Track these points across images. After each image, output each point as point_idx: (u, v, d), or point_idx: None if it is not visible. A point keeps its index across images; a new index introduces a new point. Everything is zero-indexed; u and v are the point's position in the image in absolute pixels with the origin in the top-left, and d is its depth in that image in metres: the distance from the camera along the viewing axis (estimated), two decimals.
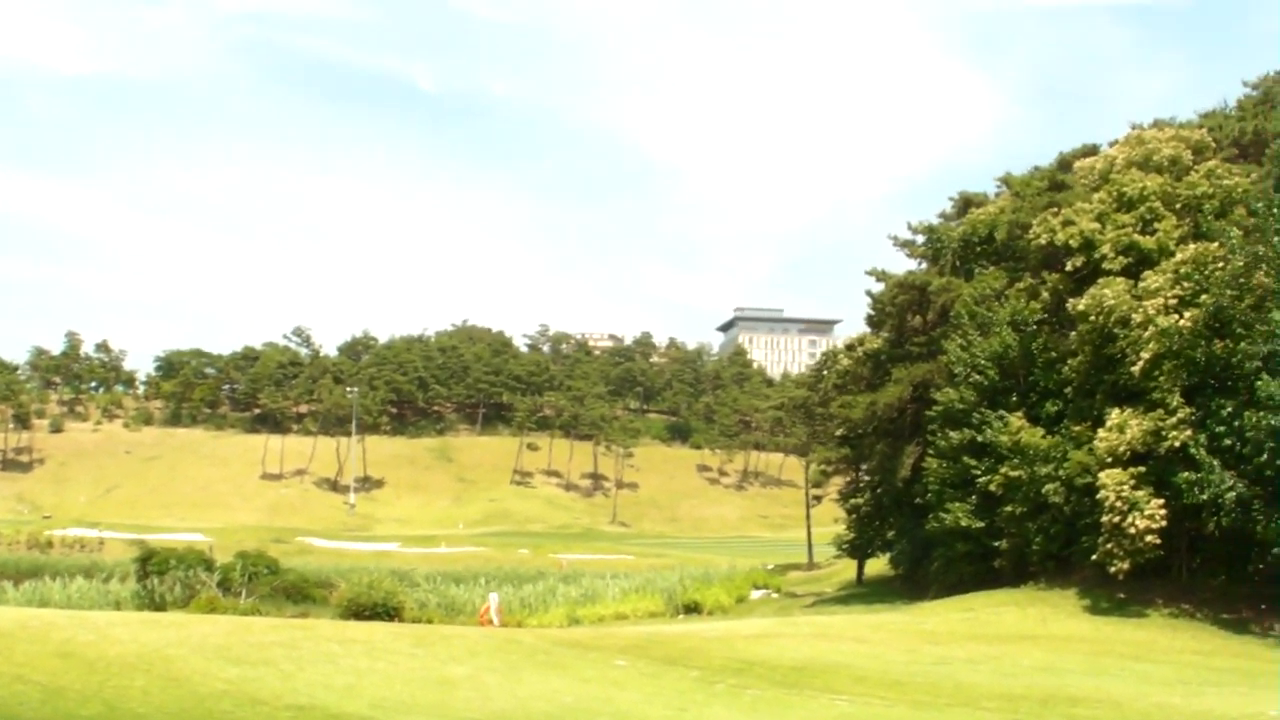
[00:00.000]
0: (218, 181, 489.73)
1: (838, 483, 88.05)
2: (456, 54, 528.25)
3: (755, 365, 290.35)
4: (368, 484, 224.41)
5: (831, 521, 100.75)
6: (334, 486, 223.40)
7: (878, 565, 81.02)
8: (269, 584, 57.75)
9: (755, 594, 79.52)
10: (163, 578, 56.50)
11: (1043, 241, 57.48)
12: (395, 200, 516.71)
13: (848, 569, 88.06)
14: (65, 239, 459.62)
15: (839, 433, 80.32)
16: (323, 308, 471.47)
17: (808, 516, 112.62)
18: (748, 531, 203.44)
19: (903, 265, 77.71)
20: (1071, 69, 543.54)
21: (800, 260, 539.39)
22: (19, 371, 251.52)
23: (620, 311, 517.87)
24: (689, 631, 39.88)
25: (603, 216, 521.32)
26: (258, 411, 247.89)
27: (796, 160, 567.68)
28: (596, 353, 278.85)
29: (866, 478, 79.32)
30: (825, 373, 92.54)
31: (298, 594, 57.09)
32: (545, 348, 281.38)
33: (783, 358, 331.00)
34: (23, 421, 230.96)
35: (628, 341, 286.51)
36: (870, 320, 76.33)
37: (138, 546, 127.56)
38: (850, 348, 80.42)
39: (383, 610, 43.62)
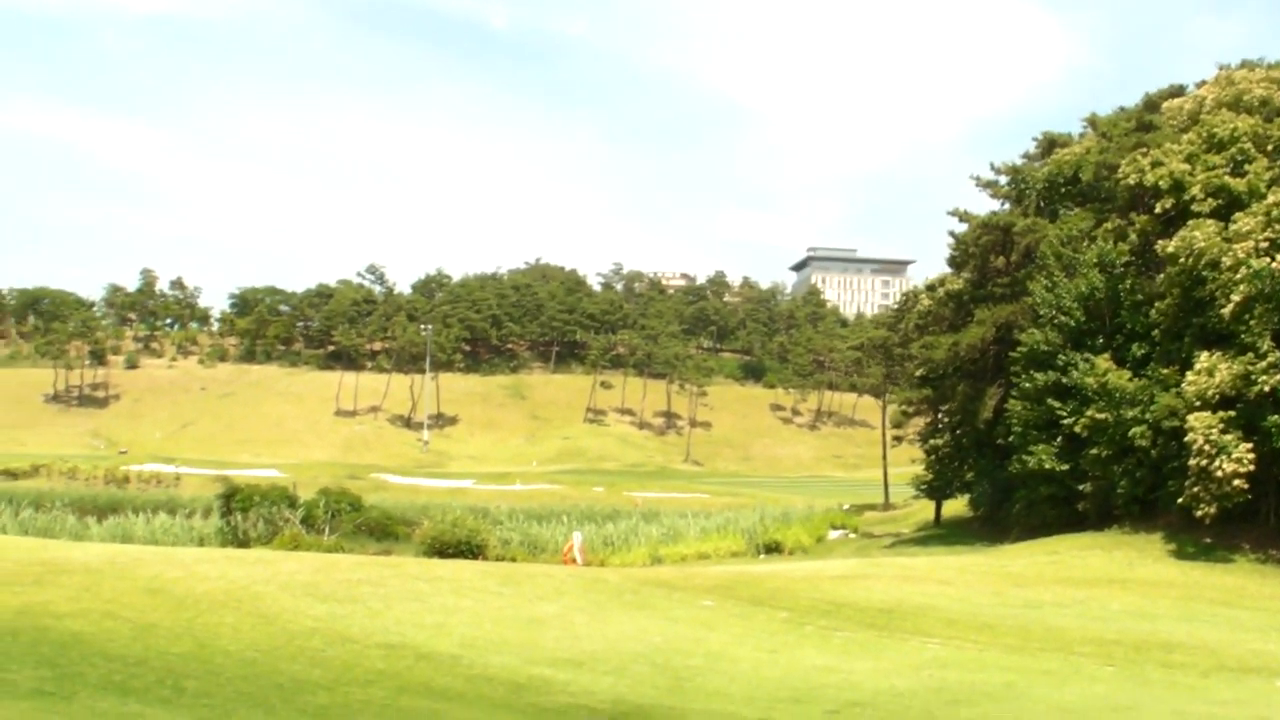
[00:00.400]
0: (290, 122, 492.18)
1: (917, 424, 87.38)
2: None
3: (829, 305, 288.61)
4: (441, 421, 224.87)
5: (908, 462, 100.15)
6: (408, 423, 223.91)
7: (955, 507, 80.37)
8: (352, 521, 57.83)
9: (833, 534, 79.15)
10: (246, 514, 56.56)
11: (1131, 183, 56.74)
12: (468, 140, 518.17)
13: (924, 510, 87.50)
14: (141, 180, 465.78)
15: (919, 373, 79.79)
16: (396, 246, 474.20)
17: (884, 457, 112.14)
18: (821, 471, 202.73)
19: (985, 206, 77.17)
20: (1146, 11, 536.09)
21: (874, 202, 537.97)
22: (95, 309, 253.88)
23: (692, 252, 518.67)
24: (774, 572, 39.62)
25: (676, 159, 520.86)
26: (332, 349, 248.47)
27: (871, 103, 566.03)
28: (670, 292, 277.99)
29: (945, 419, 78.82)
30: (906, 313, 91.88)
31: (380, 531, 57.23)
32: (618, 286, 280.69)
33: (855, 298, 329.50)
34: (99, 358, 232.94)
35: (700, 281, 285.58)
36: (952, 261, 75.59)
37: (218, 483, 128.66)
38: (931, 288, 79.65)
39: (466, 548, 43.59)
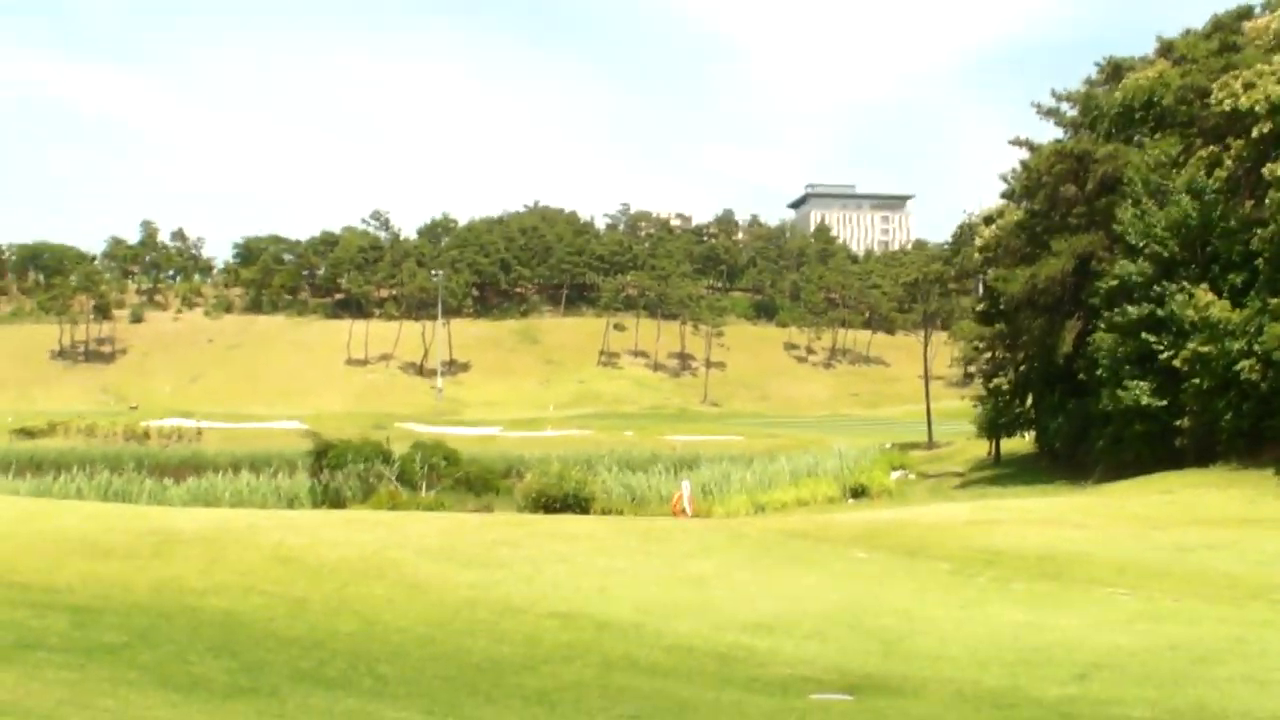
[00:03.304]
0: (286, 68, 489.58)
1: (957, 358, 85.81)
2: None
3: (839, 241, 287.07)
4: (453, 368, 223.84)
5: (955, 399, 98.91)
6: (420, 371, 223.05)
7: (1012, 445, 79.44)
8: (451, 475, 56.43)
9: (894, 474, 77.58)
10: (338, 471, 54.95)
11: (1225, 107, 54.84)
12: (463, 82, 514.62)
13: (972, 448, 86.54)
14: (138, 131, 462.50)
15: (979, 308, 78.24)
16: (399, 191, 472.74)
17: (926, 395, 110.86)
18: (839, 410, 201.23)
19: (1045, 134, 75.16)
20: None
21: (869, 137, 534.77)
22: (96, 262, 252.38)
23: (690, 191, 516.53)
24: (899, 519, 37.90)
25: (669, 97, 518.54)
26: (339, 297, 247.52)
27: (862, 35, 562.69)
28: (677, 232, 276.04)
29: (1008, 355, 77.36)
30: (964, 246, 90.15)
31: (480, 485, 55.65)
32: (622, 227, 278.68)
33: (855, 233, 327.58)
34: (103, 312, 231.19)
35: (698, 221, 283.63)
36: (1018, 192, 73.78)
37: (240, 437, 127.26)
38: (989, 220, 77.99)
39: (573, 501, 42.13)
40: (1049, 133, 75.12)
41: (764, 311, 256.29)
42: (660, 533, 30.35)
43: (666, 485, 60.97)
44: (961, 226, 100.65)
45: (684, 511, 42.71)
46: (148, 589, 20.04)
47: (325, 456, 57.38)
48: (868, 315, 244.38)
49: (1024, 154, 74.09)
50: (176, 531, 26.51)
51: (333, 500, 52.25)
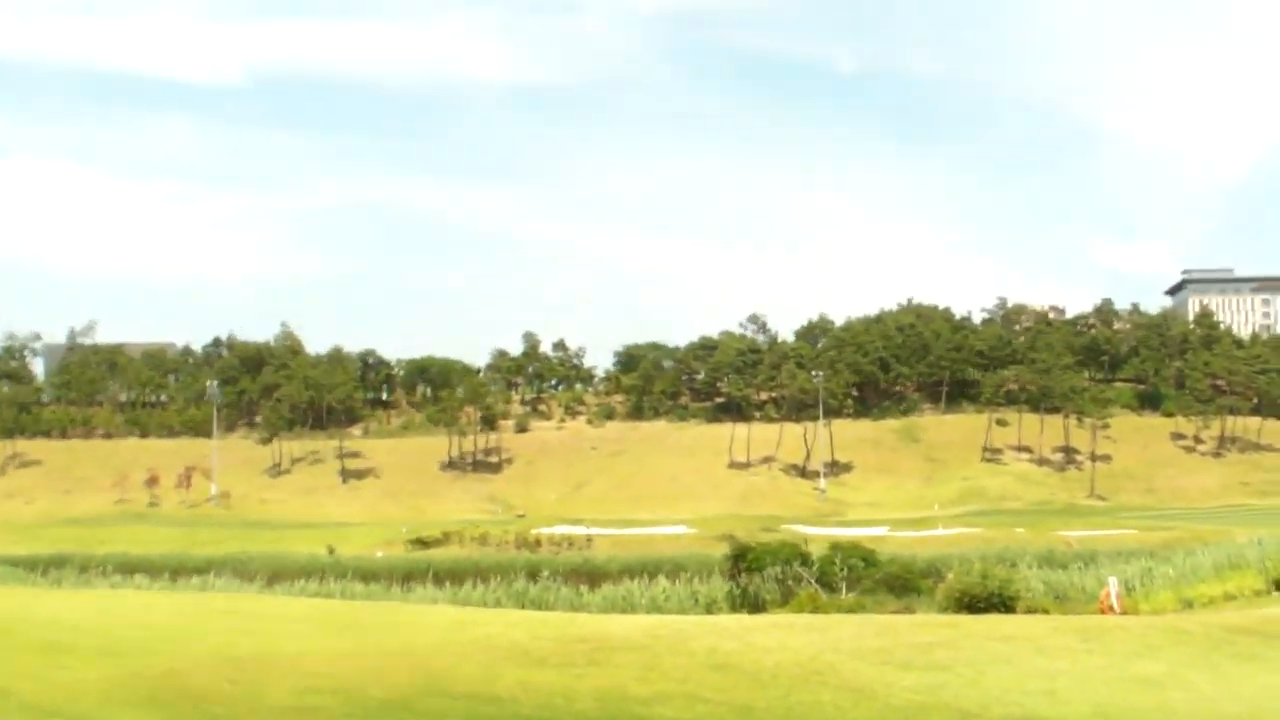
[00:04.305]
0: (651, 179, 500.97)
1: None
2: (874, 35, 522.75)
3: (1223, 326, 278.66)
4: (835, 468, 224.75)
5: None
6: (802, 472, 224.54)
7: None
8: (870, 577, 57.73)
9: None
10: (755, 574, 56.82)
11: None
12: (821, 184, 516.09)
13: None
14: (514, 245, 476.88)
15: None
16: (774, 294, 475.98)
17: None
18: (1230, 500, 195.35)
19: None
20: None
21: (1244, 218, 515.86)
22: (481, 374, 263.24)
23: (1061, 282, 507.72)
24: None
25: (1034, 189, 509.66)
26: (719, 400, 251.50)
27: (1228, 112, 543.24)
28: (1055, 324, 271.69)
29: None
30: None
31: (900, 586, 56.67)
32: (998, 321, 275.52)
33: (1236, 318, 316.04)
34: (489, 423, 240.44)
35: (1072, 311, 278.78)
36: None
37: (627, 544, 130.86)
38: None
39: (998, 600, 43.21)
40: None
41: (1148, 402, 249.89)
42: (1098, 631, 29.79)
43: (1087, 581, 61.15)
44: None
45: (1111, 608, 43.37)
46: (590, 698, 20.83)
47: (744, 560, 58.91)
48: (1256, 401, 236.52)
49: None
50: (606, 638, 27.29)
51: (751, 604, 53.83)
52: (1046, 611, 44.91)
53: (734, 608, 54.01)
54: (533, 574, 78.46)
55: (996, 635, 28.65)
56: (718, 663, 24.06)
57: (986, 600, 43.33)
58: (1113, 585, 46.20)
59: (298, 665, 22.93)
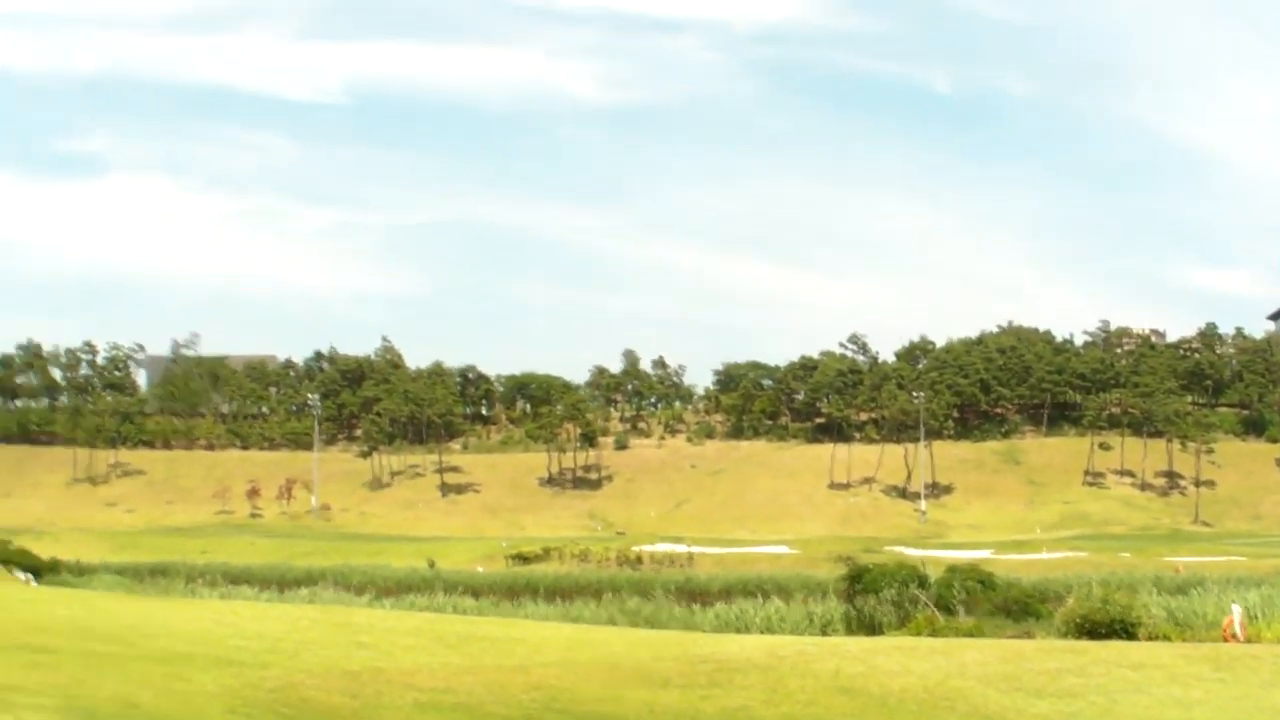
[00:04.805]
0: (743, 197, 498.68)
1: None
2: (972, 57, 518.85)
3: None
4: (936, 490, 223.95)
5: None
6: (902, 494, 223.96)
7: None
8: (989, 600, 57.13)
9: None
10: (871, 596, 56.33)
11: None
12: (920, 204, 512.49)
13: None
14: (611, 263, 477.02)
15: None
16: (874, 315, 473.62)
17: None
18: None
19: None
20: None
21: None
22: (581, 391, 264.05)
23: (1160, 305, 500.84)
24: None
25: (1125, 211, 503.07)
26: (819, 421, 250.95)
27: None
28: (1158, 348, 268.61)
29: None
30: None
31: (1019, 610, 56.08)
32: (1099, 344, 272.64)
33: None
34: (589, 440, 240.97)
35: (1173, 335, 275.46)
36: None
37: (728, 562, 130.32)
38: None
39: (1119, 626, 42.45)
40: None
41: (1252, 427, 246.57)
42: (1229, 659, 29.50)
43: (1208, 608, 60.11)
44: None
45: (1235, 636, 42.58)
46: None
47: (860, 581, 58.39)
48: None
49: None
50: (728, 658, 27.21)
51: (867, 626, 53.45)
52: (1169, 638, 44.17)
53: (850, 629, 53.56)
54: (643, 592, 78.13)
55: (1126, 662, 28.37)
56: (843, 685, 23.93)
57: (1108, 626, 42.65)
58: (1236, 613, 45.24)
59: (414, 680, 22.64)
